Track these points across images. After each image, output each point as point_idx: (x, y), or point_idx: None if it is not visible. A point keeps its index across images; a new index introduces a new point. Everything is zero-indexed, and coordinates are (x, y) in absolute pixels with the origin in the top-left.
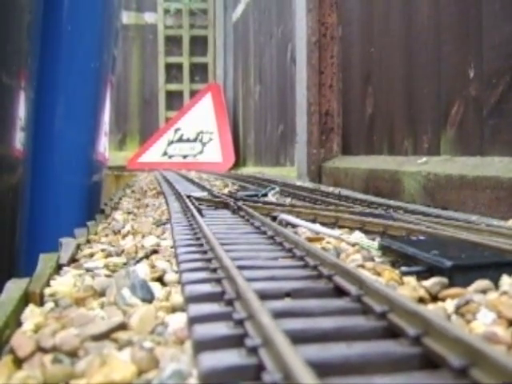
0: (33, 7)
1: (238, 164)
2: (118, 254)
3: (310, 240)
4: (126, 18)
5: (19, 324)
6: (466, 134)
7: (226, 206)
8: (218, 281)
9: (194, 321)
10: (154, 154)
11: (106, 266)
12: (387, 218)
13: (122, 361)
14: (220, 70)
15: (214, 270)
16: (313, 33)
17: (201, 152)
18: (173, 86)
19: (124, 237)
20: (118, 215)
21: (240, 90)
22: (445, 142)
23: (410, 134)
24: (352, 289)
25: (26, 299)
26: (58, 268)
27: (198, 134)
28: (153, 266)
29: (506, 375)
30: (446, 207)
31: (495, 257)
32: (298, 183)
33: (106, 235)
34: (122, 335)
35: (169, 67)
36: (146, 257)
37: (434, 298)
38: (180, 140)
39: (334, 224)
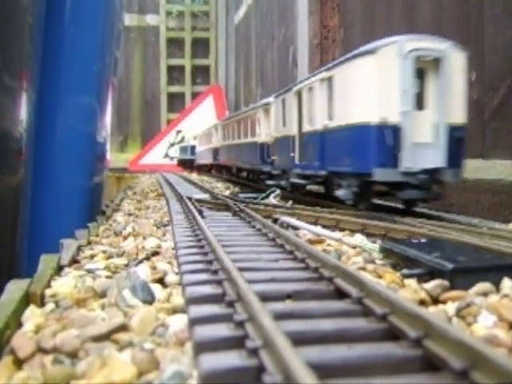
0: (35, 9)
1: None
2: (119, 256)
3: (312, 242)
4: (128, 20)
5: (20, 325)
6: (467, 137)
7: (227, 207)
8: (219, 282)
9: (194, 322)
10: (155, 155)
11: (107, 268)
12: (388, 220)
13: (122, 362)
14: (222, 72)
15: (215, 272)
16: (314, 35)
17: None
18: (174, 88)
19: (125, 238)
20: (120, 217)
21: (242, 92)
22: None
23: None
24: (353, 291)
25: (26, 300)
26: (59, 269)
27: None
28: (154, 268)
29: (507, 377)
30: (448, 210)
31: (496, 260)
32: None
33: (107, 236)
34: (122, 336)
35: (170, 69)
36: (147, 258)
37: (435, 301)
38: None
39: (335, 226)
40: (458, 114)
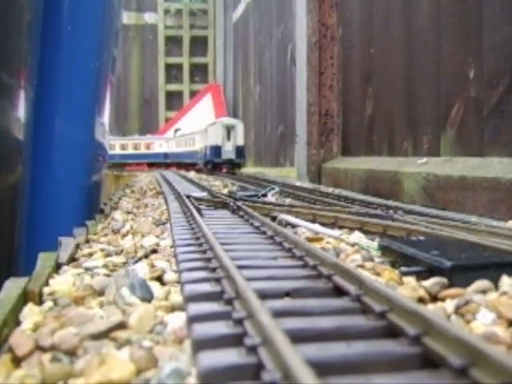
0: (33, 7)
1: None
2: (118, 254)
3: (310, 240)
4: (127, 18)
5: (18, 323)
6: (465, 134)
7: (225, 206)
8: (218, 280)
9: (193, 320)
10: None
11: (106, 266)
12: (387, 218)
13: (120, 360)
14: (220, 71)
15: (214, 270)
16: (313, 33)
17: None
18: (173, 87)
19: (123, 236)
20: (118, 215)
21: (240, 90)
22: (445, 143)
23: (409, 135)
24: (351, 288)
25: (24, 298)
26: (57, 267)
27: None
28: (152, 266)
29: (506, 375)
30: (446, 208)
31: (495, 257)
32: (298, 184)
33: (106, 235)
34: (120, 334)
35: (169, 67)
36: (146, 256)
37: (434, 298)
38: None
39: (334, 224)
40: (240, 141)
